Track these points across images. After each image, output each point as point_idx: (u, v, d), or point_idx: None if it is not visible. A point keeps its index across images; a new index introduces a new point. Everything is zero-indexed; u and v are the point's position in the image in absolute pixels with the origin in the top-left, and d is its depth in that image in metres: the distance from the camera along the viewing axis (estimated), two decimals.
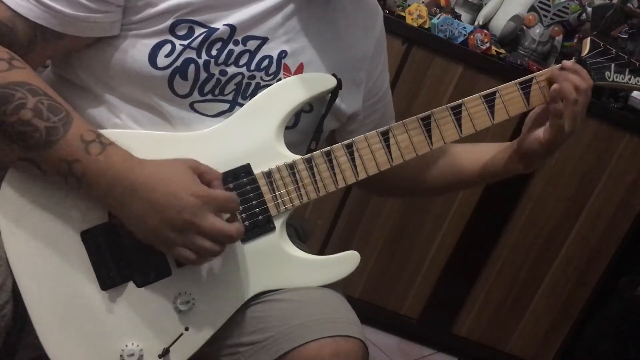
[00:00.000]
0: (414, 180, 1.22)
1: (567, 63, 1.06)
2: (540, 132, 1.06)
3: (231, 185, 0.95)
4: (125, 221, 0.87)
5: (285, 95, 0.99)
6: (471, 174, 1.18)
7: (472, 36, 2.06)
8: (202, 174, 0.88)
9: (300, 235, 1.20)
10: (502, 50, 2.15)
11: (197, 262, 0.87)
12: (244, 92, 0.98)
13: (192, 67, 0.93)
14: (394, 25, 2.01)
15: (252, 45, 0.97)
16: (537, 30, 2.18)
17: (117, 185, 0.84)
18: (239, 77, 0.97)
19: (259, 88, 0.99)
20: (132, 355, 0.90)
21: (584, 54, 1.09)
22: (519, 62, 2.09)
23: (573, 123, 1.03)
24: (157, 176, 0.85)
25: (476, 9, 2.25)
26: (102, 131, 0.89)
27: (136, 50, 0.92)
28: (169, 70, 0.93)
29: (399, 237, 2.26)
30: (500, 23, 2.20)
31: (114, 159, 0.84)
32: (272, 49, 0.98)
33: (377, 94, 1.17)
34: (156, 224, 0.84)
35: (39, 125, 0.82)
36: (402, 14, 2.08)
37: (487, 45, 2.07)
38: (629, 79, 1.10)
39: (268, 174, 0.97)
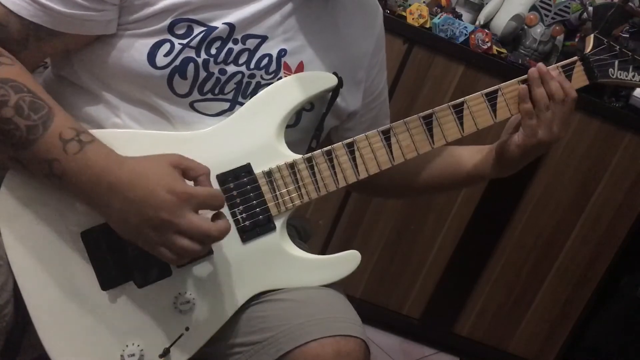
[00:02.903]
0: (403, 182, 1.22)
1: (542, 69, 1.04)
2: (516, 136, 1.06)
3: (231, 185, 0.94)
4: (108, 221, 0.86)
5: (286, 94, 0.98)
6: (452, 178, 1.18)
7: (473, 36, 2.06)
8: (187, 169, 0.86)
9: (301, 235, 1.19)
10: (503, 50, 2.14)
11: (176, 262, 0.85)
12: (244, 91, 0.98)
13: (191, 66, 0.93)
14: (395, 25, 2.01)
15: (251, 43, 0.97)
16: (538, 30, 2.18)
17: (97, 185, 0.83)
18: (239, 76, 0.97)
19: (259, 87, 0.99)
20: (133, 355, 0.90)
21: (588, 51, 1.08)
22: (520, 62, 2.09)
23: (548, 131, 1.03)
24: (135, 174, 0.83)
25: (477, 8, 2.25)
26: (103, 131, 0.89)
27: (135, 50, 0.92)
28: (168, 70, 0.92)
29: (400, 237, 2.25)
30: (501, 22, 2.19)
31: (92, 158, 0.83)
32: (271, 48, 0.98)
33: (374, 92, 1.17)
34: (136, 223, 0.83)
35: (19, 123, 0.81)
36: (403, 13, 2.08)
37: (488, 44, 2.07)
38: (633, 76, 1.09)
39: (268, 174, 0.96)
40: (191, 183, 0.86)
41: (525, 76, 1.06)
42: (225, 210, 0.92)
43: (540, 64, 1.05)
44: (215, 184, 0.92)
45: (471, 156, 1.16)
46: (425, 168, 1.19)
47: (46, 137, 0.82)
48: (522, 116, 1.04)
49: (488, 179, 1.16)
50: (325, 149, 0.99)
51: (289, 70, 1.00)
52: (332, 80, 1.01)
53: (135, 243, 0.86)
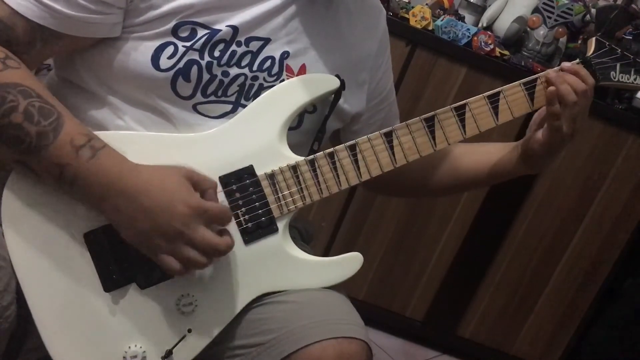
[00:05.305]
0: (420, 180, 1.22)
1: (566, 64, 1.05)
2: (539, 134, 1.06)
3: (234, 187, 0.95)
4: (115, 225, 0.86)
5: (288, 96, 0.98)
6: (478, 175, 1.18)
7: (475, 38, 2.06)
8: (196, 182, 0.87)
9: (303, 237, 1.19)
10: (506, 52, 2.14)
11: (180, 272, 0.86)
12: (247, 93, 0.98)
13: (194, 68, 0.93)
14: (398, 27, 2.01)
15: (254, 46, 0.97)
16: (541, 32, 2.17)
17: (110, 190, 0.84)
18: (241, 78, 0.97)
19: (262, 89, 0.99)
20: (135, 357, 0.90)
21: (589, 54, 1.08)
22: (523, 64, 2.09)
23: (571, 125, 1.03)
24: (152, 182, 0.84)
25: (480, 10, 2.25)
26: (106, 133, 0.90)
27: (139, 52, 0.92)
28: (172, 72, 0.93)
29: (403, 239, 2.25)
30: (504, 24, 2.19)
31: (105, 163, 0.84)
32: (274, 50, 0.98)
33: (381, 94, 1.17)
34: (146, 229, 0.84)
35: (29, 129, 0.82)
36: (406, 15, 2.08)
37: (491, 46, 2.07)
38: (635, 79, 1.09)
39: (271, 176, 0.97)
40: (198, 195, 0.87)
41: (526, 79, 1.06)
42: None
43: (564, 63, 1.05)
44: (217, 186, 0.93)
45: (497, 152, 1.16)
46: (451, 165, 1.19)
47: (57, 143, 0.83)
48: (549, 117, 1.03)
49: (515, 176, 1.14)
50: (327, 150, 0.99)
51: (291, 73, 1.00)
52: (334, 83, 1.01)
53: (138, 248, 0.87)
